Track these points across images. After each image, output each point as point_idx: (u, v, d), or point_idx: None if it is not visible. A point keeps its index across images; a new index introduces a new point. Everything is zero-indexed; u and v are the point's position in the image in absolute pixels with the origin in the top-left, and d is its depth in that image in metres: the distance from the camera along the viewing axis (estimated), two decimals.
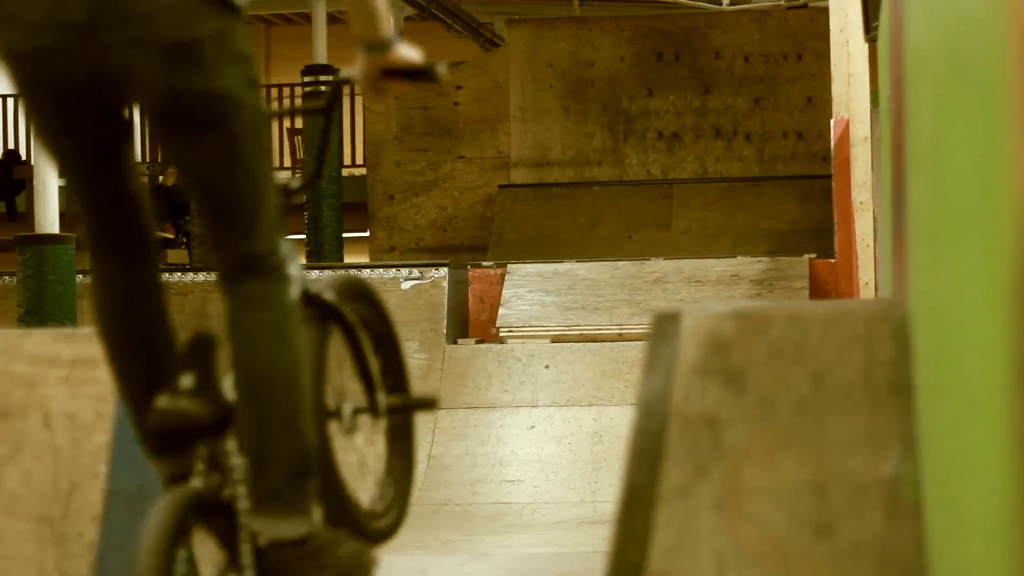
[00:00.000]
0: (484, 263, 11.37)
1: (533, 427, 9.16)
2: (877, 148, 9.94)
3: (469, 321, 10.75)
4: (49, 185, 9.75)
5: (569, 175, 15.35)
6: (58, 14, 3.01)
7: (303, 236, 14.89)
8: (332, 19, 16.93)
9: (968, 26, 1.72)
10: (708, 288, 10.67)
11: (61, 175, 3.25)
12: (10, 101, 20.70)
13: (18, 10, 3.03)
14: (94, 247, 3.26)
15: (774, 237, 14.16)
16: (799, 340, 2.83)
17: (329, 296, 3.51)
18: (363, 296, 3.66)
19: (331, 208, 15.36)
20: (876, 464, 2.76)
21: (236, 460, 3.14)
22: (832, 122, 11.12)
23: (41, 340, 3.88)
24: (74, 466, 3.76)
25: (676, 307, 2.95)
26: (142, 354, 3.25)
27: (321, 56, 15.64)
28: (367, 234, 15.73)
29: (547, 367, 9.47)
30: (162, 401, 3.12)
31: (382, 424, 3.69)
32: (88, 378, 3.81)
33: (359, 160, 18.87)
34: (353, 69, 3.38)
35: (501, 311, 10.54)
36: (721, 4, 17.17)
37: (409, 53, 3.33)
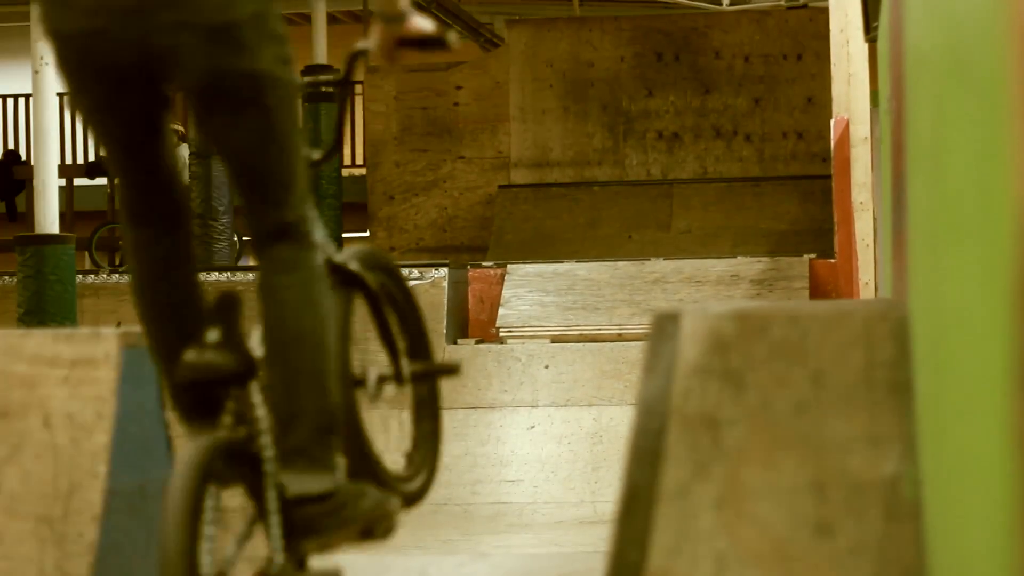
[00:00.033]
0: (484, 263, 11.37)
1: (533, 427, 9.16)
2: (877, 148, 9.94)
3: (469, 321, 10.75)
4: (49, 185, 9.75)
5: (569, 175, 15.34)
6: None
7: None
8: (332, 19, 16.94)
9: (968, 26, 1.72)
10: (708, 288, 10.67)
11: (103, 149, 3.41)
12: (10, 101, 20.70)
13: None
14: (131, 216, 3.43)
15: (774, 237, 14.16)
16: (799, 340, 2.84)
17: (353, 265, 3.66)
18: (384, 267, 3.81)
19: (331, 208, 15.35)
20: (876, 464, 2.76)
21: (261, 412, 3.27)
22: (832, 122, 11.12)
23: (41, 340, 3.88)
24: (74, 466, 3.76)
25: (676, 307, 2.95)
26: (175, 317, 3.40)
27: (321, 56, 15.64)
28: (367, 234, 15.73)
29: (547, 367, 9.47)
30: (190, 354, 3.27)
31: (407, 391, 3.82)
32: (88, 378, 3.81)
33: (359, 160, 18.87)
34: (368, 41, 3.53)
35: (501, 311, 10.54)
36: (721, 4, 17.17)
37: (423, 24, 3.51)
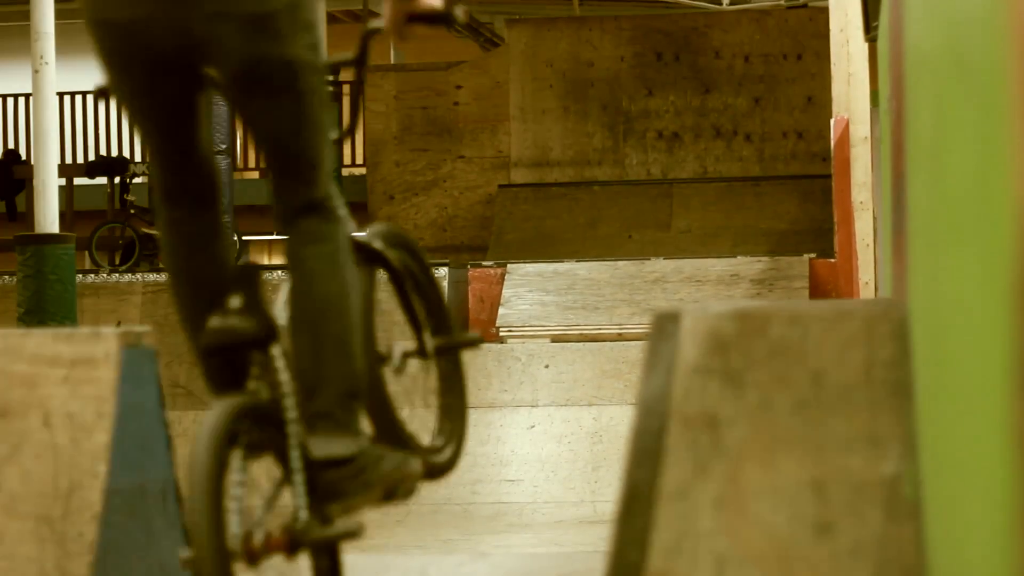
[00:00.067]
0: (484, 263, 11.37)
1: (533, 427, 9.16)
2: (877, 148, 9.94)
3: (469, 321, 10.75)
4: (49, 185, 9.75)
5: (569, 175, 15.35)
6: None
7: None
8: (332, 19, 16.92)
9: (968, 26, 1.72)
10: (708, 288, 10.67)
11: (141, 132, 3.58)
12: (10, 101, 20.70)
13: None
14: (166, 195, 3.60)
15: (774, 237, 14.16)
16: (799, 340, 2.84)
17: (377, 244, 3.84)
18: (405, 244, 3.96)
19: None
20: (876, 464, 2.76)
21: (284, 375, 3.42)
22: (832, 122, 11.13)
23: (41, 340, 3.88)
24: (74, 466, 3.76)
25: (676, 307, 2.95)
26: (205, 292, 3.56)
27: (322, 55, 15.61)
28: None
29: (547, 367, 9.47)
30: (214, 320, 3.43)
31: (431, 365, 3.98)
32: (88, 378, 3.81)
33: (359, 160, 18.88)
34: (380, 20, 3.67)
35: (501, 311, 10.54)
36: (721, 4, 17.17)
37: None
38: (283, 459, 3.40)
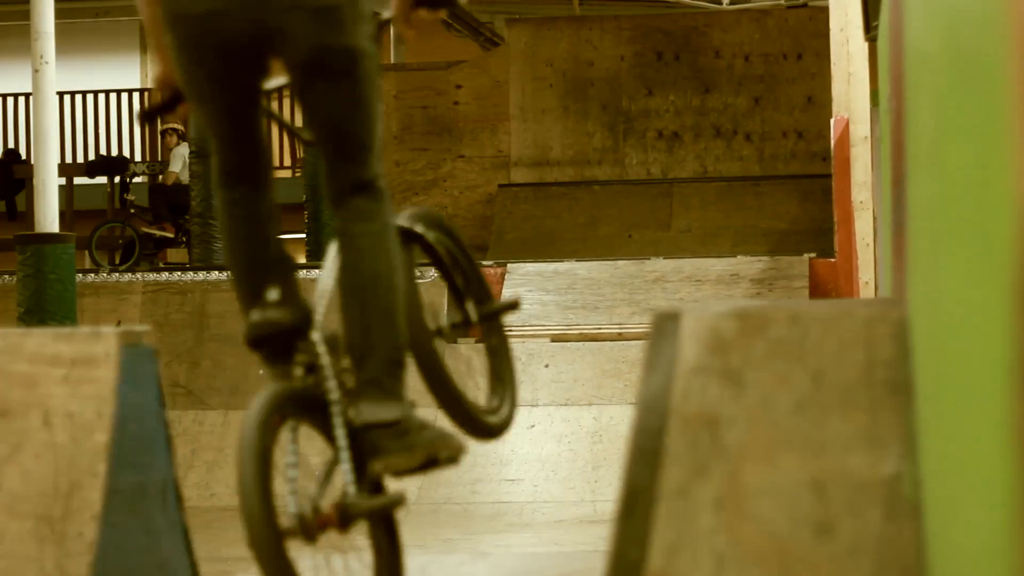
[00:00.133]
0: (484, 262, 11.37)
1: (533, 426, 9.16)
2: (877, 148, 9.94)
3: None
4: (49, 184, 9.74)
5: (569, 174, 15.34)
6: None
7: (303, 235, 14.87)
8: None
9: (968, 25, 1.72)
10: (708, 287, 10.67)
11: (207, 117, 3.86)
12: (10, 100, 20.70)
13: None
14: (226, 177, 3.88)
15: (774, 236, 14.16)
16: (799, 340, 2.84)
17: (418, 227, 4.14)
18: (439, 224, 4.24)
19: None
20: (876, 464, 2.76)
21: (325, 359, 3.71)
22: (832, 122, 11.12)
23: (41, 339, 3.88)
24: (74, 465, 3.76)
25: (676, 306, 2.95)
26: (260, 267, 3.83)
27: None
28: None
29: (547, 366, 9.47)
30: (255, 315, 3.74)
31: (477, 332, 4.30)
32: (88, 377, 3.81)
33: None
34: (388, 10, 3.90)
35: None
36: (721, 3, 17.17)
37: None
38: (330, 437, 3.67)
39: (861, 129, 10.87)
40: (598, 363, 9.43)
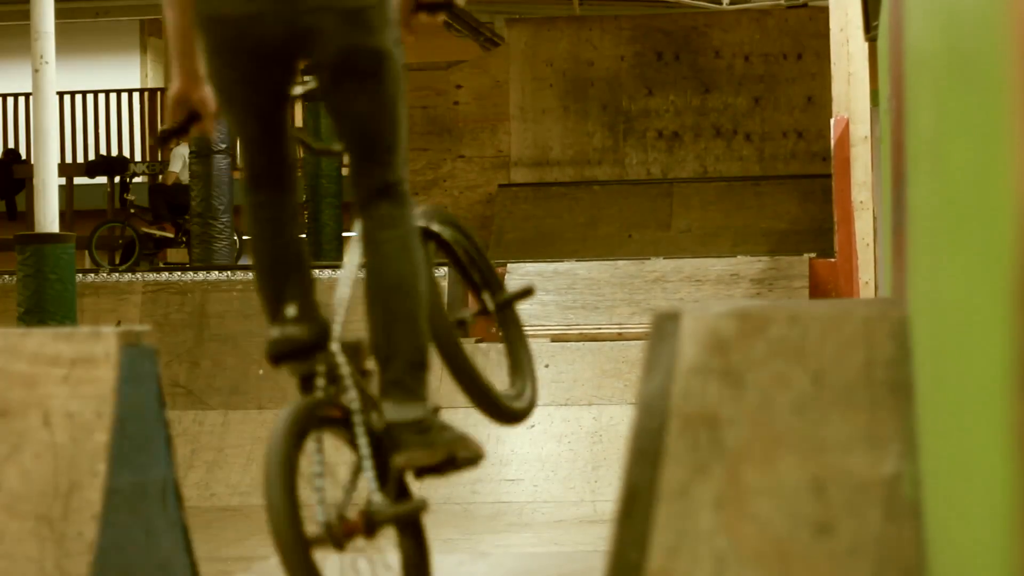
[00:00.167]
0: None
1: (533, 426, 9.15)
2: (877, 148, 9.94)
3: None
4: (49, 184, 9.74)
5: (569, 174, 15.35)
6: None
7: (303, 235, 14.85)
8: None
9: (968, 25, 1.71)
10: (708, 287, 10.67)
11: (237, 121, 3.94)
12: (10, 100, 20.70)
13: None
14: (254, 180, 3.98)
15: (774, 236, 14.16)
16: (799, 340, 2.83)
17: (434, 226, 4.30)
18: (452, 222, 4.41)
19: (331, 207, 15.34)
20: (876, 463, 2.76)
21: (345, 370, 3.82)
22: (832, 121, 11.12)
23: (41, 339, 3.88)
24: (74, 465, 3.76)
25: (676, 306, 2.95)
26: (284, 267, 3.95)
27: None
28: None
29: (547, 366, 9.47)
30: (274, 331, 3.85)
31: (495, 320, 4.47)
32: (88, 377, 3.81)
33: None
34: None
35: None
36: (721, 3, 17.17)
37: None
38: (354, 444, 3.78)
39: (861, 129, 10.87)
40: (598, 363, 9.44)
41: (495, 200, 15.16)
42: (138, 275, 10.50)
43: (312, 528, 3.62)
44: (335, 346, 3.84)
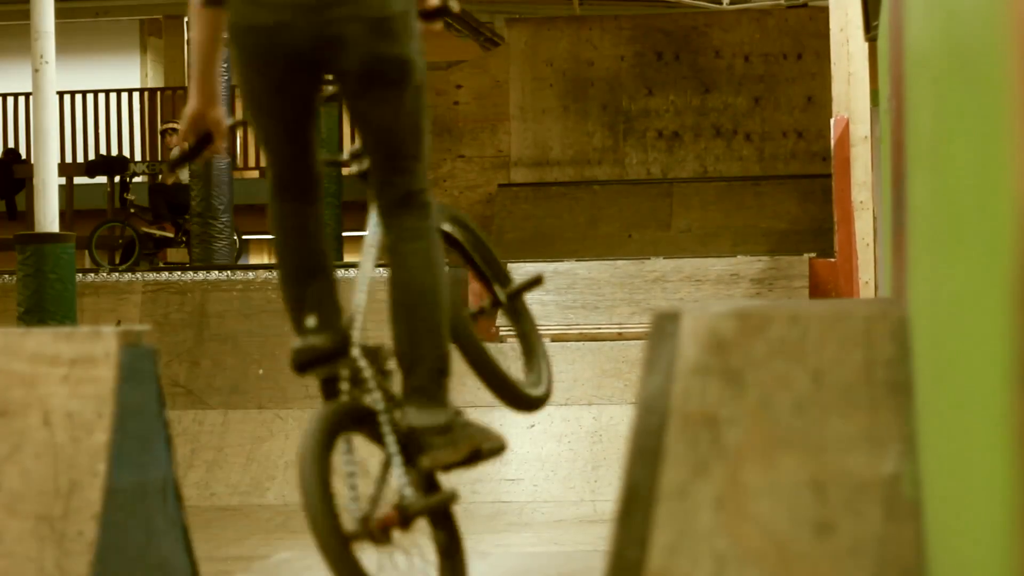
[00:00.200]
0: None
1: (533, 426, 9.16)
2: (877, 147, 9.94)
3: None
4: (49, 184, 9.74)
5: (569, 174, 15.34)
6: None
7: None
8: None
9: (968, 25, 1.72)
10: (708, 287, 10.67)
11: (265, 130, 4.04)
12: (10, 100, 20.70)
13: None
14: (280, 190, 4.08)
15: (774, 236, 14.16)
16: (799, 339, 2.83)
17: (446, 227, 4.42)
18: (458, 220, 4.55)
19: (331, 207, 15.34)
20: (876, 463, 2.76)
21: (368, 374, 3.97)
22: (832, 121, 11.12)
23: (41, 339, 3.88)
24: (74, 465, 3.76)
25: (676, 306, 2.95)
26: (308, 275, 4.05)
27: None
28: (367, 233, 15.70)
29: None
30: (296, 343, 3.98)
31: (506, 311, 4.65)
32: (88, 377, 3.81)
33: None
34: None
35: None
36: (721, 3, 17.17)
37: None
38: (382, 444, 3.93)
39: (861, 129, 10.86)
40: (598, 363, 9.44)
41: (495, 200, 15.16)
42: (138, 275, 10.50)
43: (349, 525, 3.79)
44: (356, 351, 3.99)
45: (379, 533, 3.86)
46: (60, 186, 12.32)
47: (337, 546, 3.73)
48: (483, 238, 4.65)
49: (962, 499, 1.90)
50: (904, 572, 2.68)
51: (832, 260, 10.92)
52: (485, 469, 9.28)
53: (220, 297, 9.99)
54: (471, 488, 8.80)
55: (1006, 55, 1.43)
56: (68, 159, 19.38)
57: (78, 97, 20.39)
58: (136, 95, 20.68)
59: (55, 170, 9.91)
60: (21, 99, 20.19)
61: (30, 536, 3.73)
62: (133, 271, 12.01)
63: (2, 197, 19.03)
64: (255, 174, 20.13)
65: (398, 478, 3.92)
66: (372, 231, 4.19)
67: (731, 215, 14.52)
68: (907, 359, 2.79)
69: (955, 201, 1.92)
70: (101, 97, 20.51)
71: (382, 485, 3.94)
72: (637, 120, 15.39)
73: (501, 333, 10.33)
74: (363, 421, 3.96)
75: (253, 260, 23.21)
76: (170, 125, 17.22)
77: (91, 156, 19.57)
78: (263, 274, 10.12)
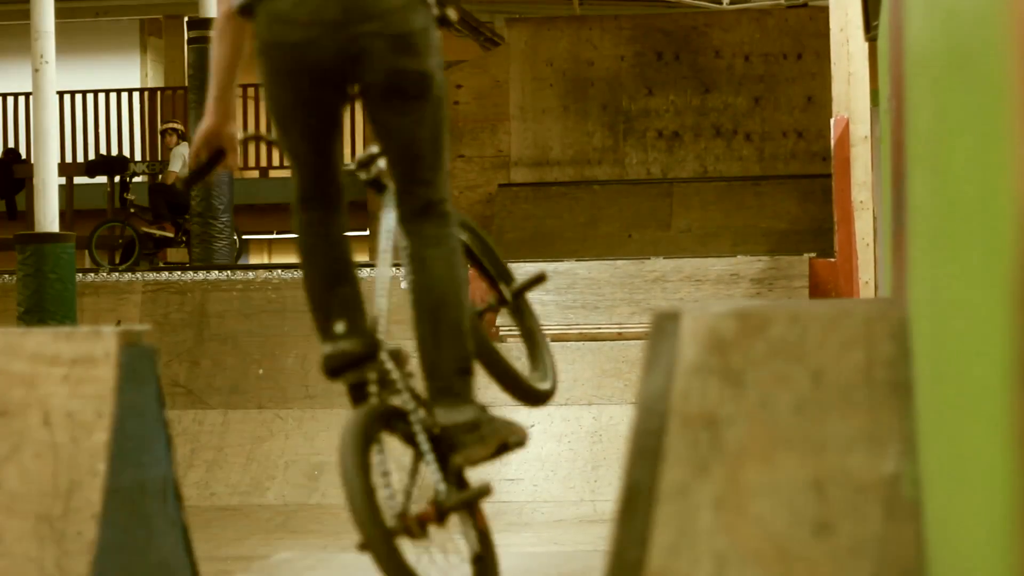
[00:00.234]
0: None
1: (533, 426, 9.15)
2: (877, 147, 9.94)
3: None
4: (49, 184, 9.74)
5: (569, 174, 15.34)
6: (321, 14, 4.08)
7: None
8: None
9: (968, 25, 1.72)
10: (708, 287, 10.67)
11: (291, 142, 4.19)
12: (10, 100, 20.70)
13: (291, 12, 4.10)
14: (305, 200, 4.24)
15: (774, 236, 14.16)
16: (799, 339, 2.83)
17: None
18: (464, 224, 4.62)
19: None
20: (876, 463, 2.76)
21: (396, 375, 4.16)
22: (832, 121, 11.12)
23: (41, 339, 3.88)
24: (74, 464, 3.75)
25: (676, 306, 2.95)
26: (333, 283, 4.22)
27: None
28: (367, 233, 15.72)
29: None
30: (326, 348, 4.16)
31: (511, 309, 4.81)
32: (88, 376, 3.81)
33: None
34: None
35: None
36: (721, 3, 17.17)
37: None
38: (411, 441, 4.11)
39: (861, 129, 10.86)
40: (598, 363, 9.44)
41: (495, 200, 15.16)
42: (138, 275, 10.50)
43: (390, 521, 3.98)
44: (383, 354, 4.17)
45: (417, 528, 4.04)
46: (60, 186, 12.32)
47: (384, 543, 3.91)
48: (487, 240, 4.81)
49: (962, 499, 1.90)
50: (904, 572, 2.68)
51: (832, 260, 10.92)
52: (485, 469, 9.27)
53: (220, 297, 9.99)
54: None
55: (1006, 55, 1.43)
56: (68, 159, 19.39)
57: (78, 97, 20.40)
58: (136, 95, 20.68)
59: (55, 170, 9.91)
60: (21, 99, 20.19)
61: (30, 536, 3.73)
62: (133, 271, 12.01)
63: (2, 197, 19.03)
64: (255, 174, 20.13)
65: (432, 475, 4.08)
66: (386, 236, 4.30)
67: (731, 215, 14.52)
68: (907, 359, 2.79)
69: (955, 201, 1.92)
70: (101, 97, 20.51)
71: (413, 482, 4.11)
72: (637, 120, 15.39)
73: (501, 333, 10.33)
74: (395, 422, 4.13)
75: (253, 260, 23.21)
76: (170, 125, 17.23)
77: (91, 156, 19.57)
78: (263, 274, 10.12)
